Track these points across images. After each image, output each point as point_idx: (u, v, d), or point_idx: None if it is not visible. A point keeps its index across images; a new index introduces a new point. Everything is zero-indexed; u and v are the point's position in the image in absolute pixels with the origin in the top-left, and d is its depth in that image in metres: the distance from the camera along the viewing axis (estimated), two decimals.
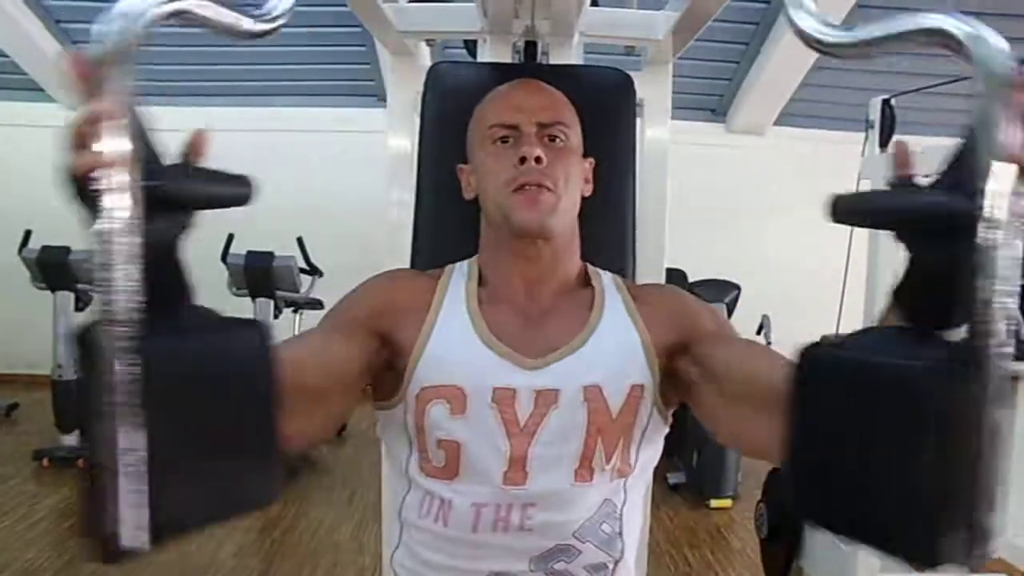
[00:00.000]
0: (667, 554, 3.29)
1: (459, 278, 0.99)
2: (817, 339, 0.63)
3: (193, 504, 0.59)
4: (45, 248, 4.22)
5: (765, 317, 4.19)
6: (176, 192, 0.57)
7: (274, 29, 0.62)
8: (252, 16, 0.60)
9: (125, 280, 0.53)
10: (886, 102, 1.91)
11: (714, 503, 3.75)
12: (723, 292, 4.13)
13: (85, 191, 0.52)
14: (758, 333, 4.17)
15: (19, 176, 5.51)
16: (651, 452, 0.97)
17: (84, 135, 0.52)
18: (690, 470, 3.86)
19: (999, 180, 0.53)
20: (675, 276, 3.89)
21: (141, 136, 0.55)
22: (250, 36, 0.60)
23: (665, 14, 1.47)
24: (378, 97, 5.26)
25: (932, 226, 0.56)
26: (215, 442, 0.59)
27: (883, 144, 1.95)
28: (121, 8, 0.53)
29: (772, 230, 5.60)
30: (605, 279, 1.02)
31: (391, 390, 0.93)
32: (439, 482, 0.92)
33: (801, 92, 5.04)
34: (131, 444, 0.54)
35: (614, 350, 0.93)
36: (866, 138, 1.96)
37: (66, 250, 4.18)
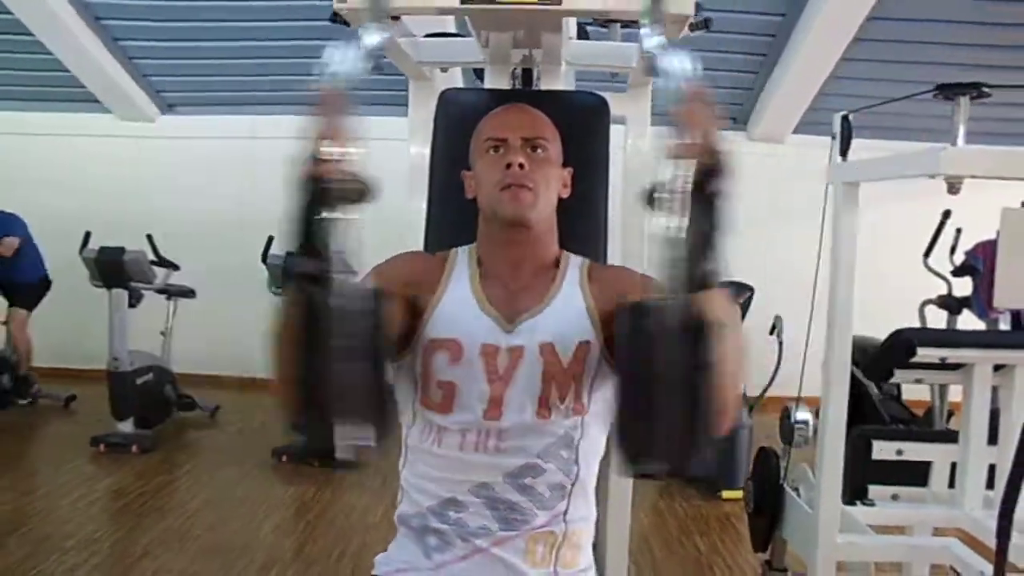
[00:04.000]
0: (678, 540, 3.47)
1: (463, 260, 1.26)
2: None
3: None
4: (103, 249, 4.44)
5: (778, 318, 4.33)
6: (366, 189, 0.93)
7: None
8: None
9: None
10: (844, 117, 2.11)
11: (726, 494, 3.89)
12: (736, 293, 4.29)
13: (321, 188, 0.88)
14: (771, 333, 4.32)
15: (80, 181, 5.84)
16: (605, 396, 1.19)
17: (321, 148, 0.90)
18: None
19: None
20: None
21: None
22: None
23: (637, 45, 1.69)
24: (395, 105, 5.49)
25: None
26: None
27: (843, 153, 2.15)
28: (338, 55, 0.93)
29: (791, 235, 5.71)
30: (572, 262, 1.27)
31: (403, 345, 1.18)
32: (437, 414, 1.17)
33: (819, 101, 5.17)
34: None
35: (565, 315, 1.19)
36: (831, 148, 2.16)
37: (121, 250, 4.41)
